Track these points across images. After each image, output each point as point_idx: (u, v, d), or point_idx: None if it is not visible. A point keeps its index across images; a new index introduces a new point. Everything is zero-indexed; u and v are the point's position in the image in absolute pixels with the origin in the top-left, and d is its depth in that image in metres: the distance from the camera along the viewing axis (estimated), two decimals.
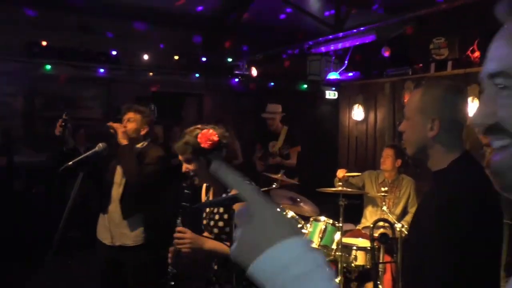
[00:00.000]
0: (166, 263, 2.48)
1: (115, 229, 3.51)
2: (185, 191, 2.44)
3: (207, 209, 2.58)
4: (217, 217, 2.50)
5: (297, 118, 7.63)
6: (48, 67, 6.98)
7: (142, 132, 3.59)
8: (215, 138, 2.37)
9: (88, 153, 3.11)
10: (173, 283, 2.41)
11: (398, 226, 4.08)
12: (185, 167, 2.46)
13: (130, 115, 3.58)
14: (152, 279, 3.46)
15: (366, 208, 5.23)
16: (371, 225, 4.07)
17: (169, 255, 2.44)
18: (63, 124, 3.31)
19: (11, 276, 5.01)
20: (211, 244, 2.35)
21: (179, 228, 2.36)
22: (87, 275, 4.51)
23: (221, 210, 2.48)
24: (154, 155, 3.51)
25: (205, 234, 2.56)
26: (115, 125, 3.48)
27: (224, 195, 2.42)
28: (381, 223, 4.38)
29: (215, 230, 2.48)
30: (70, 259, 5.63)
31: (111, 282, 3.64)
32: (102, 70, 7.47)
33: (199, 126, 2.50)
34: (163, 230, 2.99)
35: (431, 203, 1.74)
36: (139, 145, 3.58)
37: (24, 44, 6.71)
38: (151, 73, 7.99)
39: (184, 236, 2.32)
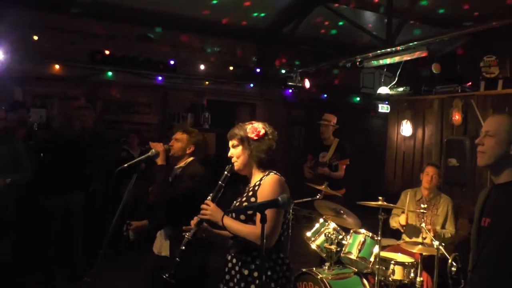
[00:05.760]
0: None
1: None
2: (225, 172, 2.76)
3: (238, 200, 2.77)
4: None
5: (348, 130, 7.64)
6: (109, 73, 7.41)
7: (188, 151, 3.71)
8: (262, 131, 2.71)
9: (141, 157, 3.44)
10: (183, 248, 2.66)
11: (435, 243, 4.04)
12: (231, 153, 2.77)
13: (178, 135, 3.74)
14: None
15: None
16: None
17: (192, 221, 2.70)
18: None
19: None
20: (227, 220, 2.57)
21: (206, 201, 2.66)
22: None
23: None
24: (188, 174, 3.60)
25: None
26: (155, 144, 3.62)
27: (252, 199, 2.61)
28: (419, 240, 4.37)
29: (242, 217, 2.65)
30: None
31: None
32: (160, 78, 7.82)
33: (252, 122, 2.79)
34: None
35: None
36: (181, 163, 3.71)
37: (89, 52, 7.17)
38: (206, 82, 8.27)
39: (207, 207, 2.62)
